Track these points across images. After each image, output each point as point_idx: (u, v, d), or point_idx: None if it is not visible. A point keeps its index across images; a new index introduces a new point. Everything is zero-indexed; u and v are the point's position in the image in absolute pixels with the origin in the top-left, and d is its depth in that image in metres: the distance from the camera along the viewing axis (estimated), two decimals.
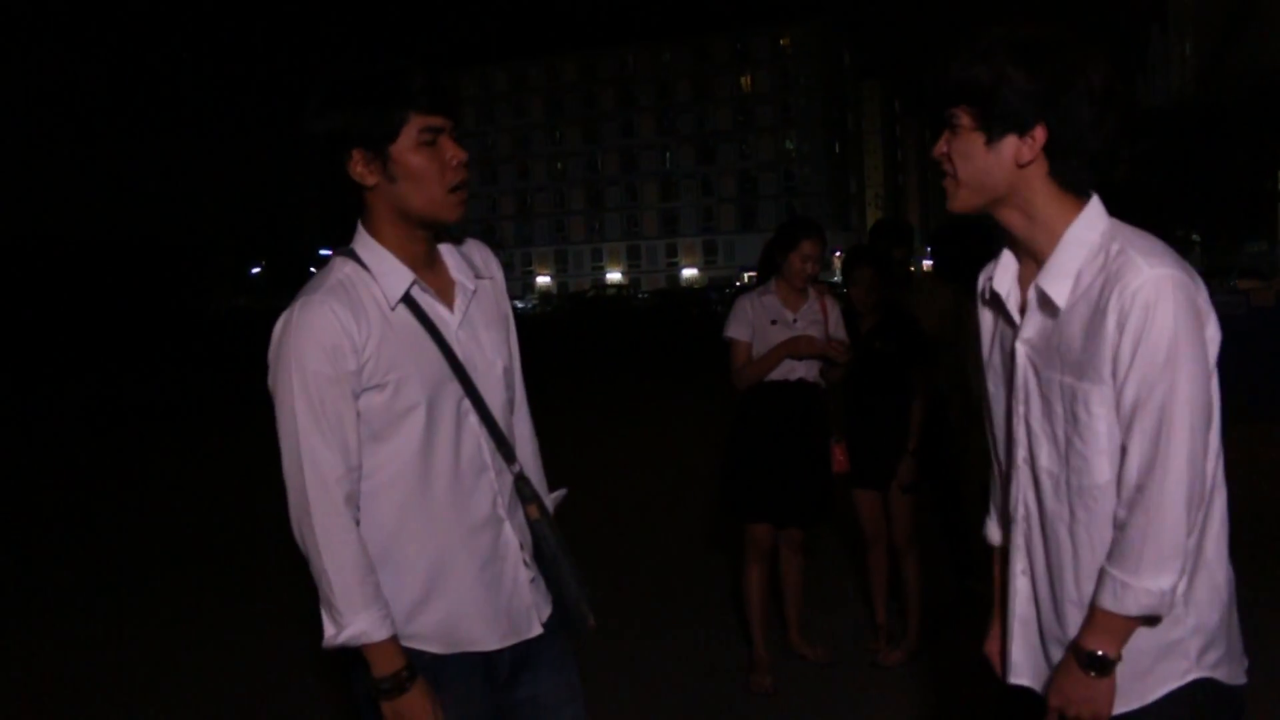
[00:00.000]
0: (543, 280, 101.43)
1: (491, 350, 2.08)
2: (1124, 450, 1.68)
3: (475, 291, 2.07)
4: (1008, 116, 1.70)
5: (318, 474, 1.87)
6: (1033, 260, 1.81)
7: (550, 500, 2.23)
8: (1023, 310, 1.83)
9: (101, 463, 11.10)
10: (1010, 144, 1.72)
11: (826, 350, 4.18)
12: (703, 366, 7.05)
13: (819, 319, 4.30)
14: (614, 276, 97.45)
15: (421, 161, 1.90)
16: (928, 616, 4.60)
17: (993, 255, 1.93)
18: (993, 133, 1.72)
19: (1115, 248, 1.69)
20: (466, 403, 2.00)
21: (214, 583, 6.19)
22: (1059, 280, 1.73)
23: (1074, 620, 1.78)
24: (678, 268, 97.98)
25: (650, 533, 6.91)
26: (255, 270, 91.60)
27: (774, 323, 4.26)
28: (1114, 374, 1.66)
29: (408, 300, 1.95)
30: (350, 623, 1.86)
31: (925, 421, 4.48)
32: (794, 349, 4.19)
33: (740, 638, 4.69)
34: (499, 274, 2.21)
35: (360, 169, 1.91)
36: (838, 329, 4.35)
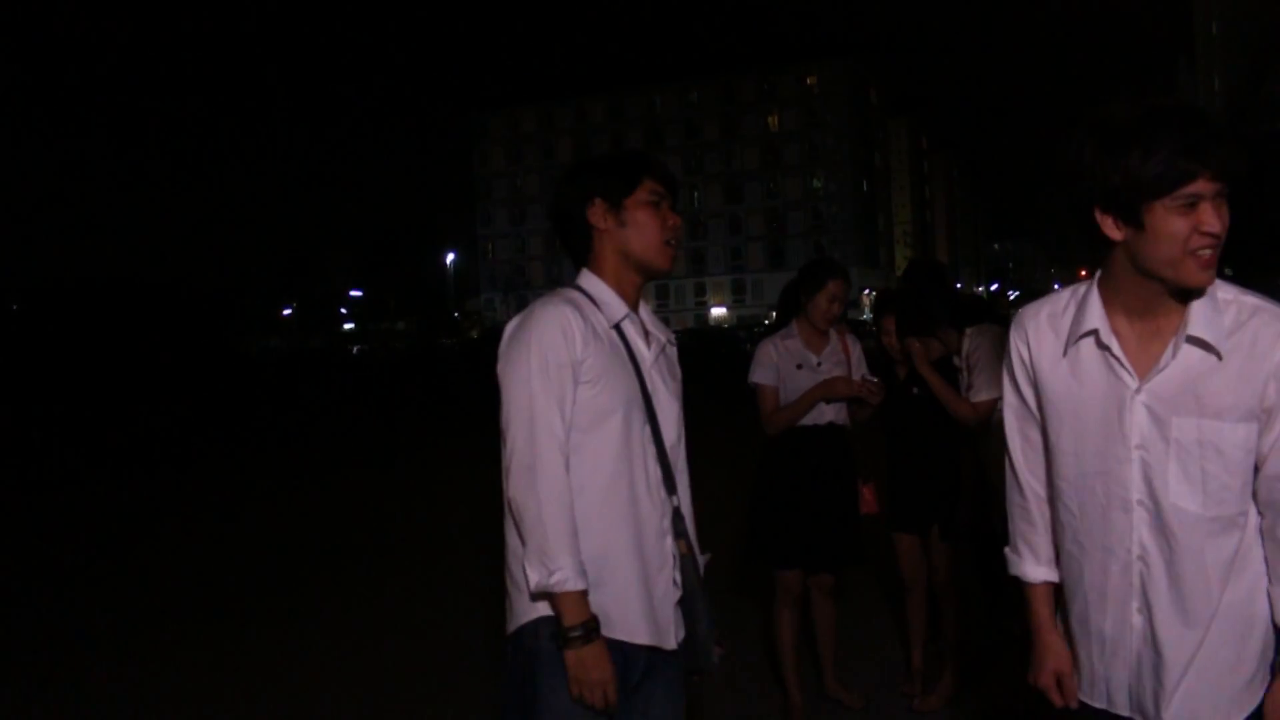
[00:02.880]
0: None
1: (670, 396, 2.45)
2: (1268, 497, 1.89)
3: (665, 345, 2.48)
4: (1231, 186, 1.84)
5: (549, 436, 2.19)
6: (1136, 316, 1.93)
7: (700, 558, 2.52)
8: (1134, 360, 1.93)
9: (133, 502, 11.16)
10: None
11: (860, 391, 4.14)
12: (731, 407, 7.01)
13: (842, 359, 4.27)
14: None
15: (647, 215, 2.40)
16: (964, 660, 4.52)
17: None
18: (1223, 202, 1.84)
19: (1248, 301, 1.89)
20: (649, 429, 2.35)
21: (245, 615, 6.22)
22: (1210, 329, 1.87)
23: (1202, 626, 1.92)
24: (706, 306, 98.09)
25: None
26: (286, 311, 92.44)
27: (799, 367, 4.22)
28: (1266, 427, 1.87)
29: (619, 329, 2.35)
30: (559, 567, 2.14)
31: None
32: (830, 391, 4.15)
33: (773, 682, 4.62)
34: (674, 343, 2.58)
35: (598, 215, 2.39)
36: (861, 366, 4.31)
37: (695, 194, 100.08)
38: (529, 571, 2.17)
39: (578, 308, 2.30)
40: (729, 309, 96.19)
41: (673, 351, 2.55)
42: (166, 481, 12.95)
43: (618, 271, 2.41)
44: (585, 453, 2.25)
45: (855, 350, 4.35)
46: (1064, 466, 2.04)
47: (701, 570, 2.45)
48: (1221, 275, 1.89)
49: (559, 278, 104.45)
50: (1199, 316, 1.87)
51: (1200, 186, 1.77)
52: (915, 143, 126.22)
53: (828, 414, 4.23)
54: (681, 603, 2.38)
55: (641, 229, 2.39)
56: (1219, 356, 1.86)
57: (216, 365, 46.06)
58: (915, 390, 4.31)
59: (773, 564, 4.35)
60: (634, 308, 2.42)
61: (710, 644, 2.40)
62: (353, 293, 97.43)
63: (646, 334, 2.43)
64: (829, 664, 4.51)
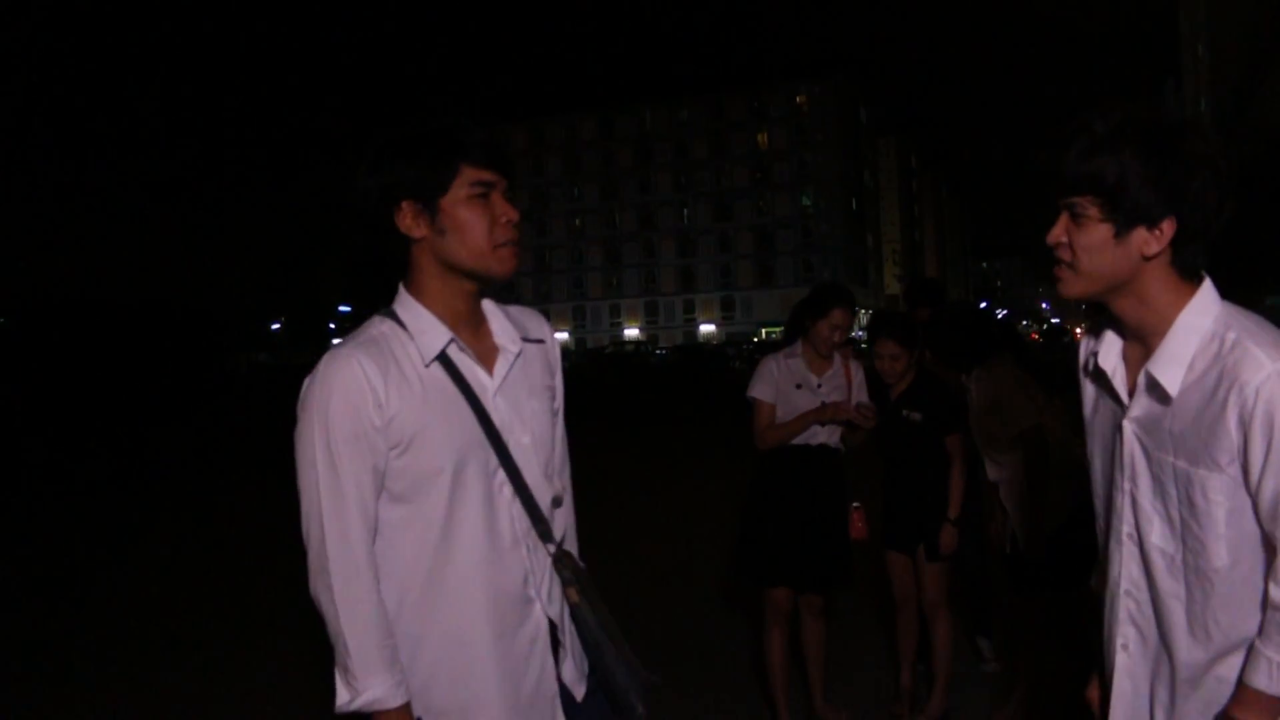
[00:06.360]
0: (561, 337, 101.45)
1: (532, 419, 2.00)
2: (1267, 541, 1.68)
3: (520, 355, 2.01)
4: (1138, 209, 1.67)
5: (338, 531, 1.82)
6: (1138, 341, 1.80)
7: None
8: (1130, 389, 1.82)
9: (128, 515, 11.10)
10: (1139, 236, 1.69)
11: (854, 417, 4.15)
12: (721, 425, 7.00)
13: (843, 383, 4.27)
14: (632, 333, 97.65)
15: (471, 215, 1.89)
16: (952, 680, 4.51)
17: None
18: (1122, 225, 1.69)
19: (1231, 337, 1.68)
20: (501, 474, 1.93)
21: (233, 630, 6.18)
22: (1171, 368, 1.72)
23: (1184, 694, 1.78)
24: (695, 324, 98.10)
25: (668, 595, 6.84)
26: (275, 326, 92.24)
27: (798, 386, 4.23)
28: (1245, 470, 1.66)
29: (444, 360, 1.91)
30: (366, 687, 1.81)
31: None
32: (822, 416, 4.16)
33: (763, 702, 4.61)
34: (554, 343, 2.16)
35: (409, 221, 1.90)
36: (861, 392, 4.31)
37: (685, 211, 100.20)
38: (338, 687, 1.84)
39: (380, 349, 1.87)
40: (718, 326, 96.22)
41: (539, 351, 2.10)
42: (160, 494, 12.89)
43: (442, 287, 1.94)
44: (406, 527, 1.88)
45: (857, 375, 4.35)
46: (1097, 486, 1.96)
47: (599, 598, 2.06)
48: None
49: (548, 293, 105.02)
50: (1170, 346, 1.73)
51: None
52: (904, 161, 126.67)
53: (820, 435, 4.24)
54: (588, 655, 2.04)
55: (465, 233, 1.89)
56: (1170, 396, 1.72)
57: (207, 381, 45.95)
58: (905, 413, 4.32)
59: (761, 582, 4.35)
60: (469, 324, 1.98)
61: (630, 695, 2.03)
62: (341, 308, 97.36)
63: (495, 349, 2.00)
64: (818, 684, 4.50)
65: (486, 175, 1.90)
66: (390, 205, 1.90)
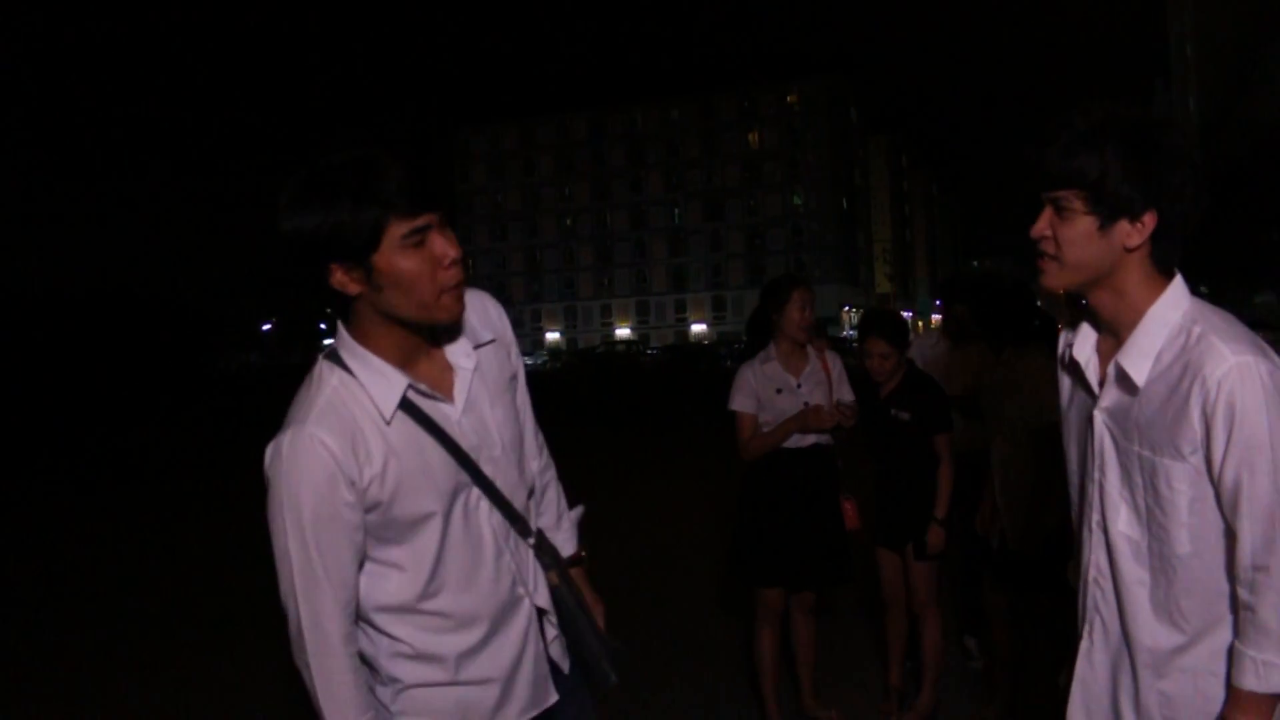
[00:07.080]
0: (552, 336, 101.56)
1: (498, 427, 1.97)
2: (1229, 532, 1.73)
3: (476, 367, 1.94)
4: (1122, 203, 1.73)
5: (312, 614, 1.80)
6: (1112, 334, 1.86)
7: (571, 518, 2.32)
8: (1102, 381, 1.88)
9: (115, 517, 11.07)
10: (1122, 229, 1.75)
11: (836, 418, 4.14)
12: (713, 425, 7.01)
13: (823, 379, 4.26)
14: (623, 333, 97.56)
15: (409, 265, 1.73)
16: (941, 679, 4.52)
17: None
18: (1105, 218, 1.75)
19: (1197, 331, 1.74)
20: (476, 492, 1.92)
21: (220, 634, 6.17)
22: (1139, 360, 1.79)
23: (1147, 683, 1.82)
24: (687, 323, 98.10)
25: (658, 593, 6.84)
26: (266, 327, 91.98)
27: (779, 391, 4.21)
28: (1207, 460, 1.72)
29: (404, 404, 1.83)
30: None
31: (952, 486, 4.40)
32: (803, 425, 4.15)
33: (752, 701, 4.62)
34: (504, 325, 2.09)
35: (341, 278, 1.75)
36: (841, 385, 4.29)
37: (676, 211, 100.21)
38: None
39: (340, 416, 1.78)
40: (709, 325, 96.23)
41: (491, 350, 2.01)
42: (152, 494, 12.86)
43: (387, 333, 1.82)
44: (402, 566, 1.87)
45: (836, 368, 4.34)
46: (1072, 476, 2.02)
47: (573, 594, 2.11)
48: (1196, 293, 1.84)
49: (540, 293, 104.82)
50: (1139, 339, 1.79)
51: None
52: (895, 160, 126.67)
53: (810, 436, 4.22)
54: (564, 630, 2.09)
55: (405, 288, 1.74)
56: (1137, 387, 1.79)
57: (197, 381, 45.83)
58: (893, 412, 4.32)
59: (755, 582, 4.35)
60: (421, 352, 1.89)
61: (604, 663, 2.12)
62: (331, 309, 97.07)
63: (449, 368, 1.92)
64: (807, 682, 4.51)
65: (419, 221, 1.73)
66: (321, 270, 1.75)
